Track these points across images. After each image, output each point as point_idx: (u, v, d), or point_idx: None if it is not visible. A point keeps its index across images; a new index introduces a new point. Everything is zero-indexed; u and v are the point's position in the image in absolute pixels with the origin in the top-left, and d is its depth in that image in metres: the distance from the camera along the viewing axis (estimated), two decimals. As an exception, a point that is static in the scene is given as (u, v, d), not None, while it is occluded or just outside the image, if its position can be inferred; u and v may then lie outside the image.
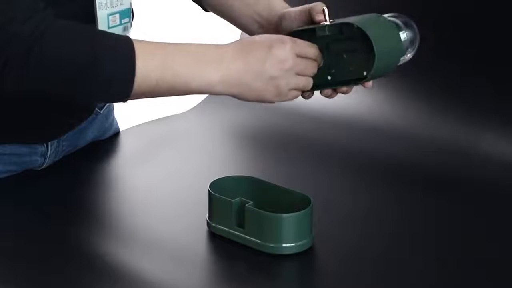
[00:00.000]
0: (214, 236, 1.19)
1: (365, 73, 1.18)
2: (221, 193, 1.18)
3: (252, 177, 1.23)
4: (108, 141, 1.50)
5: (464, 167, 1.41)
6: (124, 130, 1.57)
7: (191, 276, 1.13)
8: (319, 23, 1.23)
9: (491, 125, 1.47)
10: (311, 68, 1.19)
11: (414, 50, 1.26)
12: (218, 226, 1.19)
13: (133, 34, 1.42)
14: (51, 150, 1.39)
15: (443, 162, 1.41)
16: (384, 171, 1.41)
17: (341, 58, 1.21)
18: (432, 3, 1.57)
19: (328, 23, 1.22)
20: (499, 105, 1.48)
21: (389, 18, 1.25)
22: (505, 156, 1.42)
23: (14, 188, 1.33)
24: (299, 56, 1.17)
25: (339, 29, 1.20)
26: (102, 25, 1.26)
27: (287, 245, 1.14)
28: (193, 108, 1.66)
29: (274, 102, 1.19)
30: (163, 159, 1.45)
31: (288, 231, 1.14)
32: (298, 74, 1.17)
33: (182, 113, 1.64)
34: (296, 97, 1.19)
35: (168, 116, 1.56)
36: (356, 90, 1.60)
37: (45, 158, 1.39)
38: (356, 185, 1.38)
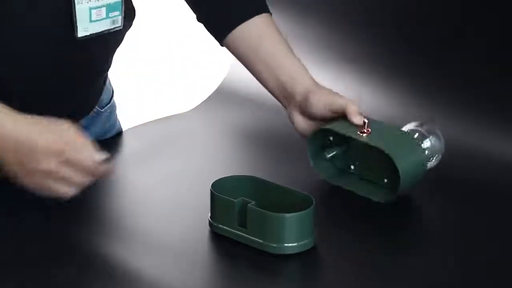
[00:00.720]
0: (216, 236, 1.19)
1: (385, 181, 1.30)
2: (223, 192, 1.18)
3: (254, 176, 1.23)
4: (110, 141, 1.49)
5: (464, 167, 1.41)
6: (126, 129, 1.56)
7: (193, 276, 1.13)
8: (356, 125, 1.30)
9: (492, 125, 1.47)
10: (78, 179, 1.16)
11: (440, 156, 1.36)
12: (220, 226, 1.19)
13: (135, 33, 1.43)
14: None
15: (443, 162, 1.40)
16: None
17: (368, 158, 1.32)
18: (435, 5, 1.57)
19: (365, 136, 1.29)
20: (500, 105, 1.49)
21: (414, 128, 1.35)
22: (505, 156, 1.42)
23: (14, 187, 1.33)
24: (69, 163, 1.15)
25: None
26: (81, 20, 1.26)
27: (289, 245, 1.14)
28: (195, 108, 1.66)
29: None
30: (165, 159, 1.45)
31: (290, 231, 1.14)
32: (57, 179, 1.15)
33: (184, 113, 1.63)
34: (46, 194, 1.17)
35: (170, 116, 1.56)
36: (358, 90, 1.62)
37: None
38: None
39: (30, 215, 1.25)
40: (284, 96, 1.38)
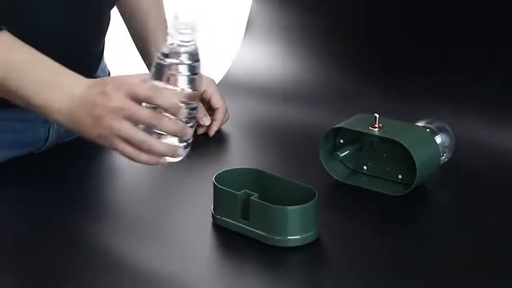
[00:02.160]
0: (219, 229, 1.19)
1: (400, 177, 1.30)
2: (226, 185, 1.18)
3: (257, 169, 1.22)
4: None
5: (471, 162, 1.41)
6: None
7: (196, 268, 1.13)
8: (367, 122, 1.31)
9: (497, 121, 1.48)
10: (145, 116, 1.10)
11: (451, 152, 1.37)
12: (223, 218, 1.18)
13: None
14: None
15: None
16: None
17: (381, 156, 1.32)
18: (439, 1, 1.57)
19: (377, 131, 1.30)
20: (506, 101, 1.49)
21: (424, 125, 1.36)
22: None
23: (14, 174, 1.34)
24: (133, 98, 1.11)
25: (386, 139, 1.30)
26: None
27: (293, 237, 1.14)
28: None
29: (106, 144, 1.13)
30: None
31: (294, 223, 1.14)
32: (126, 118, 1.10)
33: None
34: (120, 149, 1.12)
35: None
36: (363, 86, 1.62)
37: (49, 127, 1.39)
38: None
39: (30, 209, 1.25)
40: (148, 66, 1.47)
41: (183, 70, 1.11)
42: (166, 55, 1.11)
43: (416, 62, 1.62)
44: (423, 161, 1.27)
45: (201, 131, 1.51)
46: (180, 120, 1.11)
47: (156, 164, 1.13)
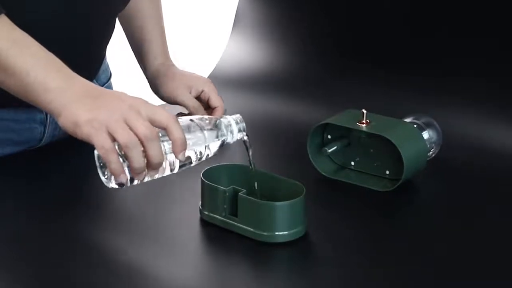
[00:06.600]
0: (207, 225, 1.19)
1: (387, 172, 1.31)
2: (214, 181, 1.18)
3: (246, 165, 1.22)
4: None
5: (454, 158, 1.42)
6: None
7: (184, 264, 1.13)
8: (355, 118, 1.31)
9: (484, 116, 1.48)
10: (146, 127, 1.06)
11: (438, 148, 1.38)
12: (211, 214, 1.18)
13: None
14: (50, 117, 1.38)
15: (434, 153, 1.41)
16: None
17: (368, 151, 1.33)
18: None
19: (364, 127, 1.30)
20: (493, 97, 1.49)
21: (412, 121, 1.36)
22: (497, 144, 1.43)
23: (6, 170, 1.34)
24: (149, 119, 1.07)
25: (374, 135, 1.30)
26: None
27: (280, 233, 1.14)
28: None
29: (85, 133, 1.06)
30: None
31: (281, 219, 1.14)
32: (132, 116, 1.06)
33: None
34: (101, 141, 1.05)
35: (162, 105, 1.56)
36: (348, 84, 1.61)
37: (45, 127, 1.38)
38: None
39: (22, 206, 1.25)
40: (143, 67, 1.53)
41: (213, 147, 1.15)
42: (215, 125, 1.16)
43: (403, 58, 1.62)
44: (411, 156, 1.27)
45: None
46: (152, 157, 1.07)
47: (116, 176, 1.07)
